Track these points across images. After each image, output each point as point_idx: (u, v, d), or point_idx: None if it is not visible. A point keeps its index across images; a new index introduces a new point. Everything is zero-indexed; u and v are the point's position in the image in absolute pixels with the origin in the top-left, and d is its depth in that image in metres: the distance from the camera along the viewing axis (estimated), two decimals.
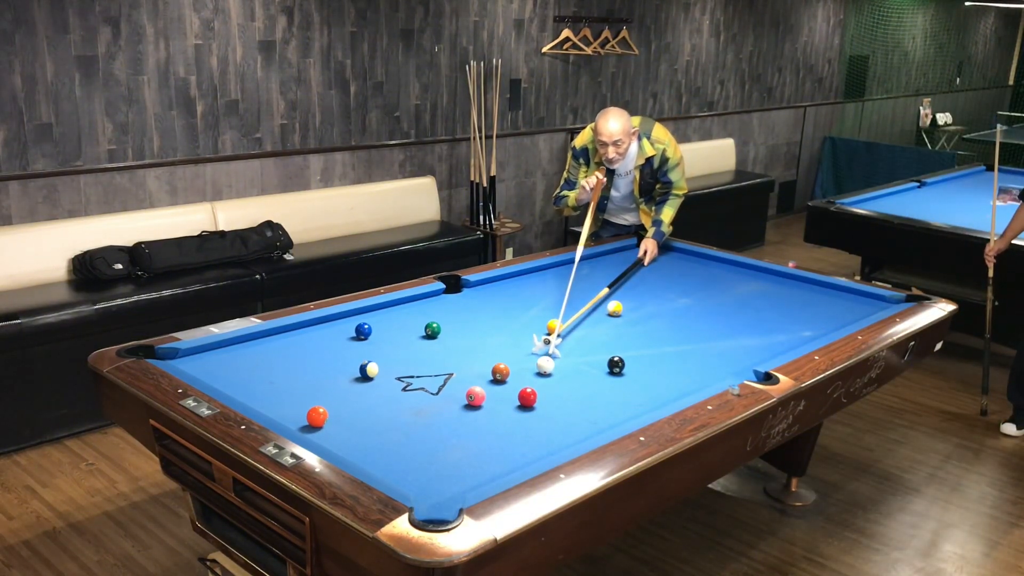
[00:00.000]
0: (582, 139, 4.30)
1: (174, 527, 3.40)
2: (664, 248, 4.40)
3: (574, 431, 2.45)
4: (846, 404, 3.20)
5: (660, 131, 4.26)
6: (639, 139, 4.18)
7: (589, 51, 6.57)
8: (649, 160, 4.23)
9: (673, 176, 4.29)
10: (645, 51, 7.17)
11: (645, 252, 4.19)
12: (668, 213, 4.32)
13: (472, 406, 2.60)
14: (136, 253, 4.41)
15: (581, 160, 4.34)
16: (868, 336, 3.19)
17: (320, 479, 2.09)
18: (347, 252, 5.04)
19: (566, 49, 6.48)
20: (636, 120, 4.22)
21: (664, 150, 4.23)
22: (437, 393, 2.70)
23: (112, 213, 4.55)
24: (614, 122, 4.00)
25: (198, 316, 3.91)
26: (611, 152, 4.04)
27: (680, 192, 4.34)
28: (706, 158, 7.88)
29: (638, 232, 4.54)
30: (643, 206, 4.41)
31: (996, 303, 4.63)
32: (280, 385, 2.72)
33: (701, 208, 7.09)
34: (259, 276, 4.58)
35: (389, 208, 5.61)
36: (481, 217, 5.87)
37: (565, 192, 4.35)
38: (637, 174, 4.27)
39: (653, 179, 4.31)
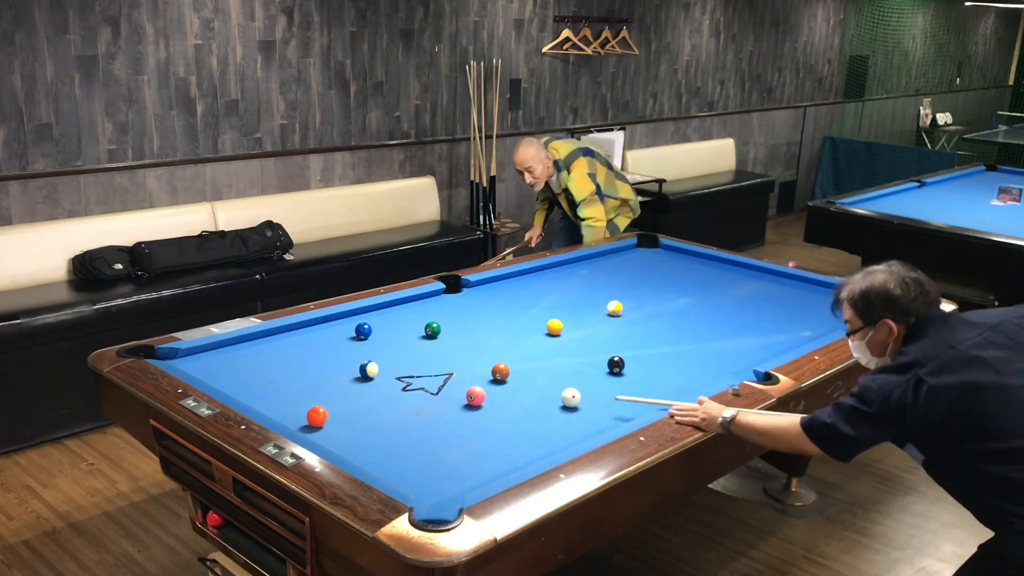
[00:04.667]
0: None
1: (174, 527, 3.40)
2: (664, 248, 4.41)
3: (574, 431, 2.46)
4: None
5: (578, 166, 4.48)
6: (559, 170, 4.50)
7: (589, 51, 6.58)
8: (565, 189, 4.54)
9: (580, 212, 4.52)
10: (645, 51, 7.17)
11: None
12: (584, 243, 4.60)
13: (472, 406, 2.60)
14: (136, 253, 4.41)
15: None
16: None
17: (320, 479, 2.09)
18: (347, 252, 5.03)
19: (566, 49, 6.48)
20: (564, 150, 4.53)
21: (571, 181, 4.50)
22: (437, 393, 2.70)
23: (112, 213, 4.55)
24: (522, 151, 4.44)
25: (198, 316, 3.91)
26: (526, 178, 4.47)
27: (590, 223, 4.51)
28: (706, 158, 7.89)
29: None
30: (578, 219, 4.68)
31: (996, 303, 4.63)
32: (280, 385, 2.72)
33: (701, 208, 7.10)
34: (259, 276, 4.58)
35: (389, 208, 5.60)
36: (481, 217, 5.87)
37: (537, 209, 5.01)
38: (563, 199, 4.63)
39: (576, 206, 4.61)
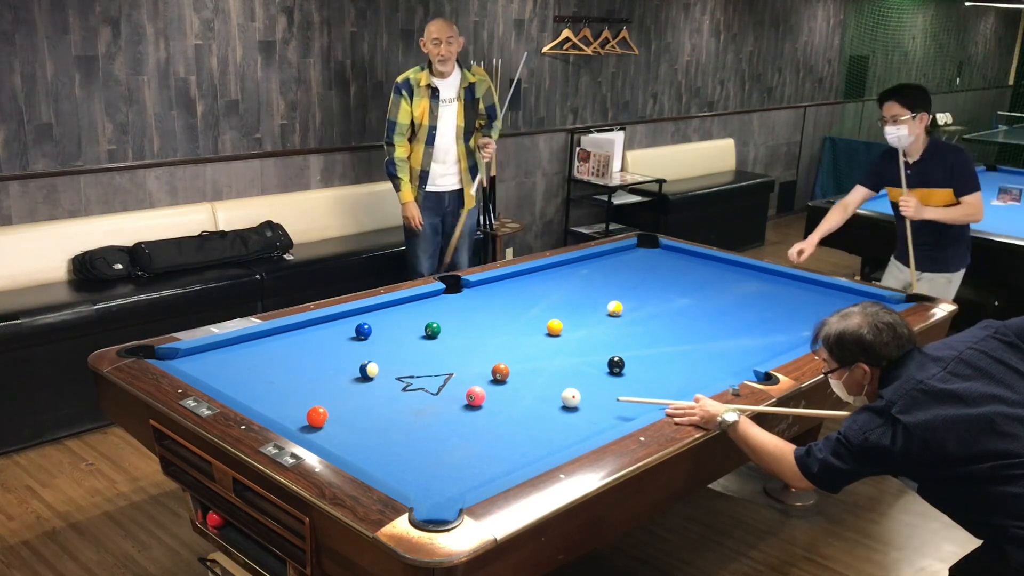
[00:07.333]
0: (404, 76, 4.62)
1: (174, 527, 3.40)
2: (664, 248, 4.42)
3: (574, 431, 2.46)
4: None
5: (479, 70, 4.77)
6: (460, 67, 4.60)
7: (589, 51, 6.57)
8: (472, 86, 4.61)
9: (497, 122, 4.74)
10: (645, 51, 7.17)
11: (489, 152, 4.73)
12: (495, 126, 4.78)
13: (472, 406, 2.60)
14: (136, 253, 4.41)
15: (404, 92, 4.59)
16: None
17: (320, 479, 2.09)
18: (347, 252, 5.03)
19: (566, 49, 6.48)
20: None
21: (485, 82, 4.67)
22: (437, 393, 2.70)
23: (112, 213, 4.55)
24: (445, 22, 4.50)
25: (198, 316, 3.90)
26: (443, 49, 4.43)
27: (496, 135, 4.79)
28: (706, 158, 7.89)
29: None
30: (463, 146, 4.70)
31: (996, 304, 4.63)
32: (280, 385, 2.72)
33: (701, 208, 7.10)
34: (259, 276, 4.58)
35: (389, 208, 5.60)
36: (481, 217, 5.87)
37: (398, 171, 4.66)
38: (460, 103, 4.60)
39: (475, 111, 4.66)
